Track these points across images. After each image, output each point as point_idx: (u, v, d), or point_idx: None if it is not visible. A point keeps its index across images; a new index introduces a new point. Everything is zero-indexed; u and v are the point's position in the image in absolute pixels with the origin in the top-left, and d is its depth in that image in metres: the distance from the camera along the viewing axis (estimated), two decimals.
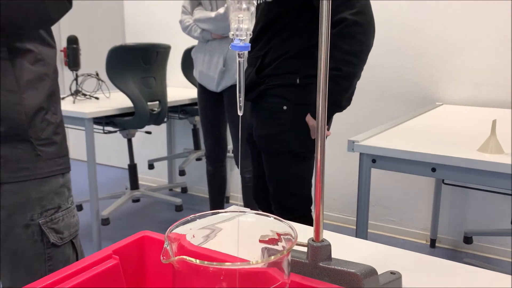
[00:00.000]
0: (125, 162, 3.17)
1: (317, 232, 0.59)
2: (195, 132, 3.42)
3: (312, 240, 0.60)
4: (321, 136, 0.59)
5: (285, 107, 1.63)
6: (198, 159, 3.47)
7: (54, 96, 0.94)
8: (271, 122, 1.68)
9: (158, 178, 3.86)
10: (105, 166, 4.24)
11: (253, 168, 1.91)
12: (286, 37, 1.61)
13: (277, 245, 0.48)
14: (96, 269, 0.52)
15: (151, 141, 3.81)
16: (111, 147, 4.16)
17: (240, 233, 0.49)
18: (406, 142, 1.55)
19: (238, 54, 0.39)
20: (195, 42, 2.64)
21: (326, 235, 0.80)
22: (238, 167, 2.71)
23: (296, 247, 0.62)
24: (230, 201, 3.47)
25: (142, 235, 0.60)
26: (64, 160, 0.95)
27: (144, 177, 3.89)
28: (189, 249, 0.45)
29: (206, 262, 0.37)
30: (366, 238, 1.79)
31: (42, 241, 0.92)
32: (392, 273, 0.62)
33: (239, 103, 0.41)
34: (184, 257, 0.38)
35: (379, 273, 0.63)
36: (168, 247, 0.40)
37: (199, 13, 2.45)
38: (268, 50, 1.63)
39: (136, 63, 2.58)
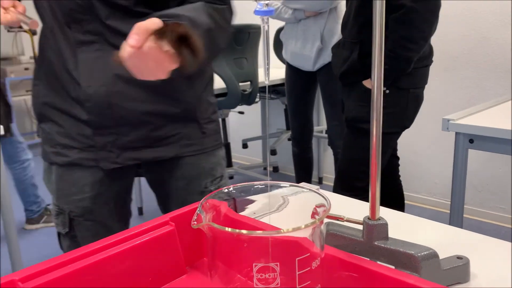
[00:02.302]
0: None
1: (373, 210, 0.57)
2: (286, 112, 3.43)
3: (368, 218, 0.57)
4: (377, 110, 0.55)
5: (387, 91, 1.64)
6: (290, 139, 3.49)
7: (211, 80, 1.05)
8: (367, 104, 1.67)
9: (252, 157, 3.96)
10: None
11: None
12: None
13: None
14: (153, 234, 0.56)
15: (246, 121, 3.91)
16: None
17: (282, 206, 0.48)
18: (509, 121, 1.39)
19: (262, 19, 0.38)
20: None
21: (390, 214, 0.76)
22: (331, 148, 2.67)
23: (352, 225, 0.60)
24: (324, 182, 3.44)
25: None
26: (220, 135, 1.06)
27: (239, 155, 4.02)
28: (225, 217, 0.46)
29: (231, 229, 0.38)
30: (461, 226, 1.66)
31: None
32: (459, 257, 0.57)
33: (266, 70, 0.40)
34: (212, 223, 0.39)
35: (445, 257, 0.58)
36: (202, 214, 0.42)
37: None
38: (367, 36, 1.62)
39: (229, 44, 2.65)
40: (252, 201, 0.48)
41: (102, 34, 0.84)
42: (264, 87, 3.03)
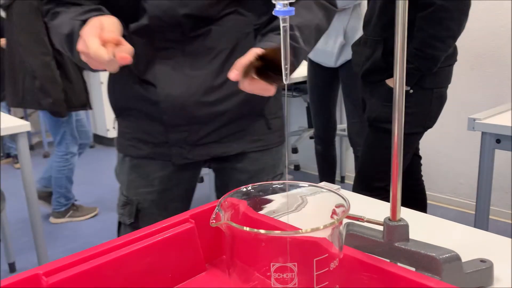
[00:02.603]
0: None
1: (394, 211, 0.56)
2: (308, 110, 3.41)
3: (389, 219, 0.57)
4: (399, 110, 0.55)
5: (411, 91, 1.61)
6: (311, 137, 3.46)
7: None
8: (391, 103, 1.67)
9: None
10: None
11: None
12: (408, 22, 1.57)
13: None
14: (173, 231, 0.57)
15: None
16: None
17: (300, 206, 0.48)
18: None
19: (282, 19, 0.38)
20: None
21: (412, 215, 0.75)
22: (351, 145, 2.64)
23: (373, 226, 0.60)
24: (346, 181, 3.41)
25: None
26: (283, 131, 1.06)
27: None
28: (244, 216, 0.46)
29: (249, 228, 0.38)
30: (486, 227, 1.62)
31: None
32: (482, 261, 0.56)
33: (285, 70, 0.40)
34: (230, 222, 0.39)
35: (468, 260, 0.57)
36: (220, 212, 0.42)
37: None
38: (391, 34, 1.59)
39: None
40: (270, 201, 0.48)
41: (181, 42, 0.86)
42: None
